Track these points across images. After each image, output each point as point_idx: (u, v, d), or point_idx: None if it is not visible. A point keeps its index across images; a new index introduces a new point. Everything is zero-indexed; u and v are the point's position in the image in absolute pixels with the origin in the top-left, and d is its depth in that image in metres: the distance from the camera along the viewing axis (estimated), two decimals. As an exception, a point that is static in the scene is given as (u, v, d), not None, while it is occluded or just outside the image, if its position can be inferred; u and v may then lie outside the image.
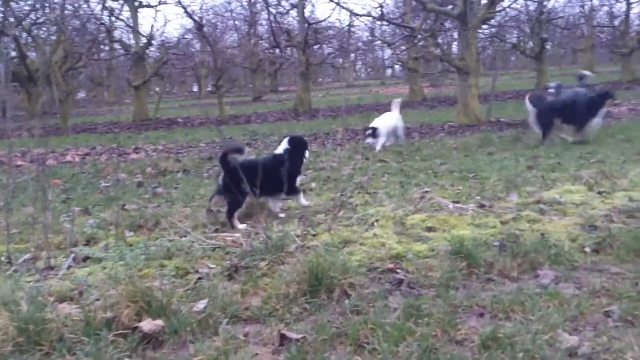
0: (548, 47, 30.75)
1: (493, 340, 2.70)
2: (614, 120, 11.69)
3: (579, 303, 3.11)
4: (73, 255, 4.38)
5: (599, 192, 5.60)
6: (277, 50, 26.35)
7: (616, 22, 32.38)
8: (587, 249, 4.04)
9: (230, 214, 5.28)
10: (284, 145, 5.79)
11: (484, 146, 9.47)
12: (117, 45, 26.21)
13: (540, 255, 3.86)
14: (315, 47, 27.16)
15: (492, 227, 4.64)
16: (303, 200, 5.80)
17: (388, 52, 39.03)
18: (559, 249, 3.95)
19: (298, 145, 5.80)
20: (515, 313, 3.07)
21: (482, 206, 5.34)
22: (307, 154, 5.93)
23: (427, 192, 6.09)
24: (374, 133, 9.92)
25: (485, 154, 8.66)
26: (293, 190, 5.66)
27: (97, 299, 3.37)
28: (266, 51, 30.85)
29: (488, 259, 3.85)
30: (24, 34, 22.53)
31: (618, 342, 2.69)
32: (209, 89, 39.45)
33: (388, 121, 10.10)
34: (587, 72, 11.89)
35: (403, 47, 22.64)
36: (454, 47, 28.54)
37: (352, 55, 47.51)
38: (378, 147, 9.84)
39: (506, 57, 48.21)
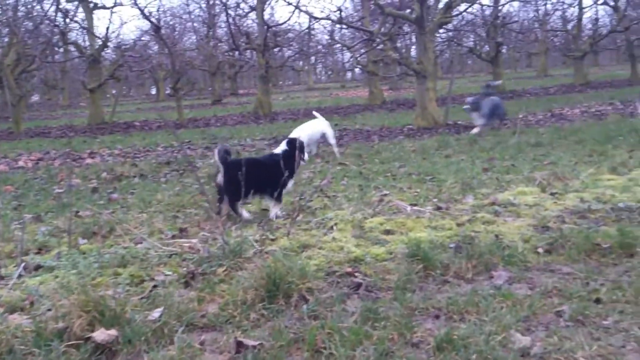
0: (503, 50, 31.39)
1: (448, 342, 2.73)
2: (567, 123, 12.00)
3: (532, 303, 3.18)
4: (24, 264, 4.26)
5: (552, 194, 5.74)
6: (237, 53, 26.19)
7: (569, 26, 33.27)
8: (540, 250, 4.13)
9: (233, 205, 5.38)
10: (282, 146, 5.84)
11: (442, 149, 9.61)
12: (71, 48, 25.64)
13: (495, 256, 3.93)
14: (275, 50, 27.13)
15: (449, 229, 4.71)
16: (276, 211, 5.55)
17: (348, 55, 39.23)
18: (512, 250, 4.03)
19: (296, 148, 5.77)
20: (470, 314, 3.11)
21: (438, 208, 5.41)
22: (305, 156, 5.97)
23: (385, 195, 6.15)
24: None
25: (443, 157, 8.78)
26: (279, 195, 5.49)
27: (49, 309, 3.31)
28: (225, 54, 30.61)
29: (444, 261, 3.89)
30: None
31: (569, 341, 2.75)
32: (168, 91, 38.99)
33: (310, 130, 9.70)
34: (495, 82, 13.01)
35: (362, 51, 22.80)
36: (413, 51, 28.88)
37: (312, 58, 47.61)
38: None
39: (463, 61, 49.06)
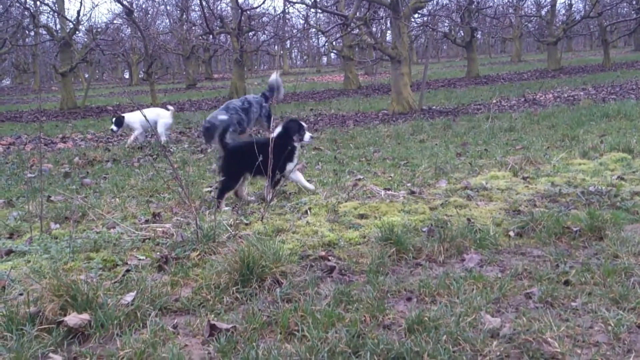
0: (478, 36, 31.59)
1: (419, 324, 2.76)
2: (540, 108, 12.14)
3: (502, 285, 3.22)
4: None
5: (524, 178, 5.82)
6: (211, 37, 25.87)
7: (543, 12, 33.54)
8: (511, 233, 4.19)
9: (220, 195, 5.37)
10: (278, 129, 5.69)
11: (416, 133, 9.66)
12: (42, 31, 25.10)
13: (466, 239, 3.97)
14: (250, 34, 26.87)
15: (422, 213, 4.74)
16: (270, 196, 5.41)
17: (323, 40, 39.04)
18: (484, 234, 4.08)
19: (289, 130, 5.63)
20: (441, 297, 3.15)
21: (412, 193, 5.44)
22: (307, 137, 5.70)
23: (360, 179, 6.17)
24: (118, 123, 10.24)
25: (417, 142, 8.83)
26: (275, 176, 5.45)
27: (21, 294, 3.29)
28: (199, 38, 30.24)
29: (417, 245, 3.93)
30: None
31: (538, 322, 2.80)
32: (141, 76, 38.44)
33: (147, 115, 9.39)
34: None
35: (337, 35, 22.72)
36: (388, 36, 28.85)
37: (288, 42, 47.33)
38: (130, 140, 10.25)
39: (438, 46, 49.21)
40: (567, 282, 3.28)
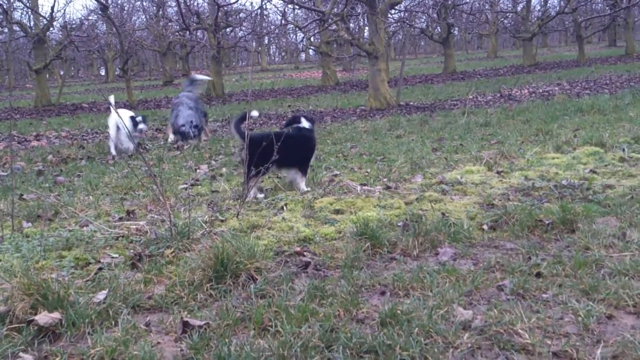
0: (455, 32, 31.80)
1: (392, 317, 2.78)
2: (515, 103, 12.26)
3: (474, 278, 3.25)
4: None
5: (498, 172, 5.87)
6: (187, 33, 25.65)
7: (519, 8, 33.83)
8: (485, 227, 4.23)
9: (247, 182, 5.15)
10: (305, 122, 5.79)
11: (393, 129, 9.69)
12: (16, 27, 24.65)
13: (441, 233, 4.00)
14: (227, 30, 26.70)
15: (397, 208, 4.76)
16: (303, 185, 5.67)
17: (301, 36, 38.98)
18: (458, 227, 4.11)
19: (314, 122, 5.93)
20: (415, 290, 3.17)
21: (388, 188, 5.46)
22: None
23: (336, 175, 6.17)
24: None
25: (394, 137, 8.86)
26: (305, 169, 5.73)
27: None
28: (176, 34, 29.99)
29: (392, 239, 3.95)
30: None
31: (509, 314, 2.83)
32: (117, 72, 38.01)
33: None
34: (200, 76, 11.25)
35: (315, 31, 22.70)
36: (366, 32, 28.90)
37: (265, 39, 47.16)
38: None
39: (415, 42, 49.44)
40: (538, 274, 3.32)
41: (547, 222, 4.13)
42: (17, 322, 2.88)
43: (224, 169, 6.96)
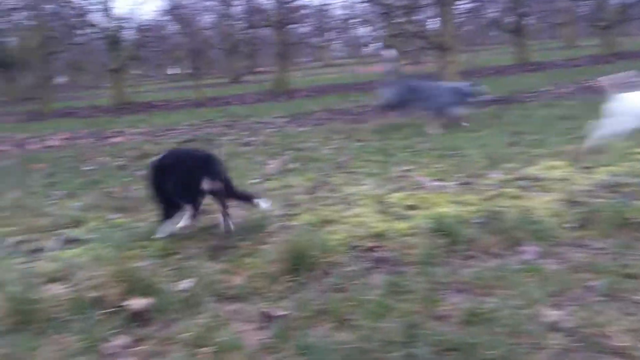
0: (528, 21, 30.75)
1: (474, 316, 2.69)
2: (595, 95, 11.70)
3: (561, 278, 3.10)
4: (60, 237, 4.44)
5: (581, 168, 5.59)
6: (253, 31, 25.99)
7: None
8: (570, 225, 4.02)
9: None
10: None
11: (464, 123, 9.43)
12: (92, 29, 25.66)
13: (522, 231, 3.84)
14: (292, 26, 26.87)
15: (473, 204, 4.61)
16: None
17: (366, 30, 38.80)
18: (540, 225, 3.93)
19: None
20: (496, 289, 3.05)
21: (463, 183, 5.31)
22: None
23: (407, 170, 6.06)
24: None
25: (466, 131, 8.63)
26: None
27: (85, 280, 3.40)
28: (242, 32, 30.44)
29: (469, 236, 3.82)
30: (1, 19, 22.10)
31: (600, 316, 2.68)
32: (186, 71, 38.96)
33: None
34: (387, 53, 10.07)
35: (380, 25, 22.50)
36: (434, 24, 28.46)
37: (329, 34, 47.16)
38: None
39: (485, 33, 48.20)
40: (629, 275, 3.13)
41: (637, 220, 3.88)
42: (110, 307, 3.05)
43: (293, 164, 6.96)
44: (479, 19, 22.89)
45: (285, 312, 2.91)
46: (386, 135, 8.88)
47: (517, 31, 25.05)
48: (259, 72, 39.82)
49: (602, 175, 5.27)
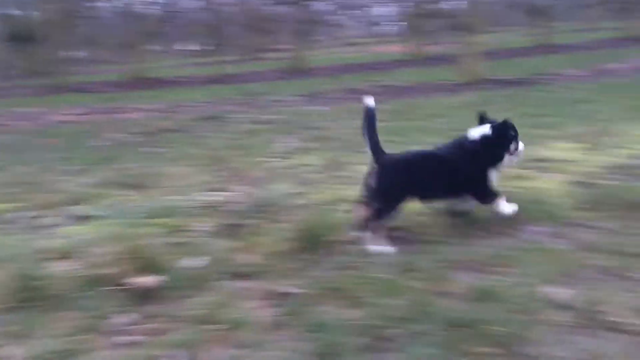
0: (550, 2, 30.14)
1: (484, 293, 2.77)
2: (614, 78, 11.57)
3: (571, 257, 3.16)
4: (72, 213, 4.44)
5: (595, 149, 5.57)
6: (274, 8, 25.89)
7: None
8: (581, 205, 4.03)
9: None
10: (482, 130, 4.04)
11: (486, 104, 9.38)
12: (109, 3, 25.72)
13: (535, 211, 3.85)
14: (311, 3, 26.67)
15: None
16: (505, 206, 3.77)
17: (386, 9, 38.37)
18: (552, 206, 3.95)
19: (504, 135, 4.05)
20: (508, 267, 3.12)
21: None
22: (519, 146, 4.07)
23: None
24: None
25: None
26: (487, 195, 3.81)
27: (96, 257, 3.41)
28: (263, 8, 30.31)
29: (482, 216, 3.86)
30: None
31: (608, 294, 2.74)
32: (205, 47, 38.90)
33: None
34: None
35: (403, 4, 22.28)
36: (457, 3, 28.07)
37: (351, 12, 46.70)
38: None
39: (505, 13, 47.39)
40: (637, 255, 3.17)
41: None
42: (122, 284, 3.05)
43: (307, 143, 6.98)
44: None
45: (297, 290, 2.95)
46: (404, 116, 8.87)
47: (540, 13, 24.64)
48: (278, 50, 39.69)
49: (616, 157, 5.26)
